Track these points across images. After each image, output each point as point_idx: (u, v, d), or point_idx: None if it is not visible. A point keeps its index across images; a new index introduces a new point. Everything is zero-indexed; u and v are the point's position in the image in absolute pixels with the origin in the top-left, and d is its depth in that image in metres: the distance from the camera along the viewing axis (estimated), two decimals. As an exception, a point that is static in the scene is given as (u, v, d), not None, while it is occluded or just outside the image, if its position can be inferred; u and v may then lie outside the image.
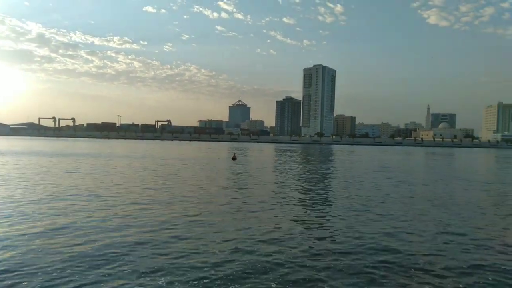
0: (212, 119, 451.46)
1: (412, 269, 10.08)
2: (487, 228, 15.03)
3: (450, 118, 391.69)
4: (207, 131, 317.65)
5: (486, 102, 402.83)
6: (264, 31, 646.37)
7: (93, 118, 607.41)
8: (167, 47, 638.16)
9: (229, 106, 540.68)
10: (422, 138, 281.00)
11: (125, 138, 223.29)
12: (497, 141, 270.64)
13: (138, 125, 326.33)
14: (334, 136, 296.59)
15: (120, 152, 70.50)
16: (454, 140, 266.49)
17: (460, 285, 9.12)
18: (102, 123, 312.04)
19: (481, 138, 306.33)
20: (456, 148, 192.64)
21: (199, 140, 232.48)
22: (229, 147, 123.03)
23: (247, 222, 14.99)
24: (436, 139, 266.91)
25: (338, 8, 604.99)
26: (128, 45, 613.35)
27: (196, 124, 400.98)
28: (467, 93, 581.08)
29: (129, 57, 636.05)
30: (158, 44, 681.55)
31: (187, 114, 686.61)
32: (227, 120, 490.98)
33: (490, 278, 9.59)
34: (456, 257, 11.14)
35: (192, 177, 31.10)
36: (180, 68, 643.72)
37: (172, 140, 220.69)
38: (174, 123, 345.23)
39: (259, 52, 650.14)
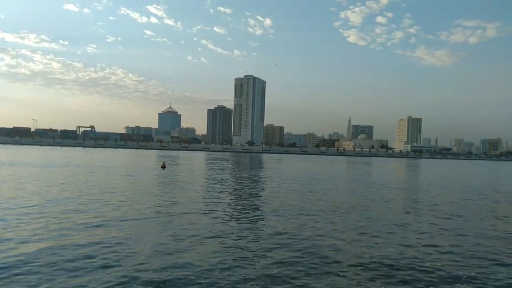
0: (141, 126, 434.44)
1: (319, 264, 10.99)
2: (383, 225, 16.87)
3: (368, 130, 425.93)
4: (135, 138, 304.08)
5: (399, 116, 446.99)
6: (195, 39, 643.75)
7: (3, 122, 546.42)
8: (90, 48, 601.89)
9: (159, 113, 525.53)
10: (344, 148, 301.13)
11: (41, 145, 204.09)
12: (407, 151, 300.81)
13: (56, 130, 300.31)
14: (264, 145, 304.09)
15: (19, 159, 64.38)
16: (372, 150, 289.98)
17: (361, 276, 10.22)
18: (14, 127, 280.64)
19: (394, 148, 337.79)
20: (374, 158, 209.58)
21: (125, 148, 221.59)
22: (159, 155, 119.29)
23: (170, 224, 14.90)
24: (356, 149, 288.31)
25: (267, 21, 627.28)
26: (46, 44, 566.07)
27: (123, 131, 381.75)
28: (383, 107, 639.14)
29: (47, 57, 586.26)
30: (80, 44, 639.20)
31: (113, 120, 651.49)
32: (157, 127, 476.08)
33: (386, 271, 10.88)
34: (356, 250, 12.39)
35: (115, 185, 29.72)
36: (106, 71, 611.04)
37: (95, 147, 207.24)
38: (98, 129, 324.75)
39: (190, 59, 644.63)
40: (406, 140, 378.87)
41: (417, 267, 11.20)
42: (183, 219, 17.08)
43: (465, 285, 9.96)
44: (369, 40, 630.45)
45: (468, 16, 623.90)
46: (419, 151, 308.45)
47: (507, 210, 24.31)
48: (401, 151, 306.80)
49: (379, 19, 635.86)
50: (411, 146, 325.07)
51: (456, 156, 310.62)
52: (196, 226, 15.68)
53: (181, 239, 13.44)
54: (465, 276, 10.57)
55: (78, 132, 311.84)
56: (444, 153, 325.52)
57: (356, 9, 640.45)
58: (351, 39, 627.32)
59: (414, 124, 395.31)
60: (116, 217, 16.94)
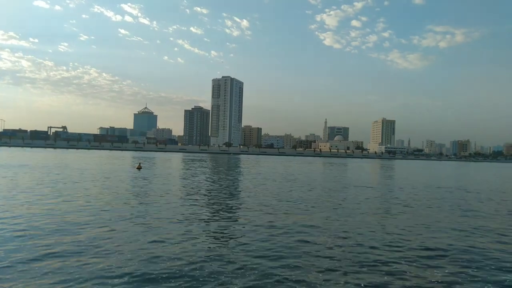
0: (115, 127, 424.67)
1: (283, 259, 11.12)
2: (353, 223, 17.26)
3: (344, 131, 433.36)
4: (109, 139, 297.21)
5: (373, 118, 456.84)
6: (172, 39, 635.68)
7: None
8: (62, 47, 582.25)
9: (134, 114, 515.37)
10: (320, 149, 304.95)
11: (9, 146, 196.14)
12: (382, 152, 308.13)
13: (26, 131, 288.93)
14: (241, 146, 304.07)
15: None
16: (347, 151, 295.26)
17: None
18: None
19: (369, 149, 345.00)
20: (349, 159, 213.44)
21: (99, 149, 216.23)
22: (134, 156, 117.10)
23: (147, 226, 14.66)
24: (332, 150, 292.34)
25: (244, 23, 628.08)
26: (14, 41, 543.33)
27: (97, 132, 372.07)
28: (358, 109, 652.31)
29: (16, 54, 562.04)
30: (51, 43, 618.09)
31: (86, 121, 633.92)
32: (132, 128, 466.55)
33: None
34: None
35: (88, 186, 28.94)
36: (78, 70, 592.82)
37: (68, 148, 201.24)
38: (71, 130, 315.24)
39: (166, 59, 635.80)
40: (380, 141, 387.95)
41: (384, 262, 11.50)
42: (161, 221, 16.82)
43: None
44: (344, 43, 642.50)
45: (438, 21, 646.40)
46: (393, 152, 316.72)
47: (475, 207, 25.28)
48: (375, 152, 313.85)
49: (354, 22, 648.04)
50: (385, 147, 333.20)
51: (428, 156, 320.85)
52: (173, 227, 15.47)
53: (158, 241, 13.23)
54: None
55: (49, 133, 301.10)
56: (417, 154, 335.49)
57: (332, 12, 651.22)
58: (327, 42, 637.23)
59: (388, 126, 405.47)
60: (91, 219, 16.49)
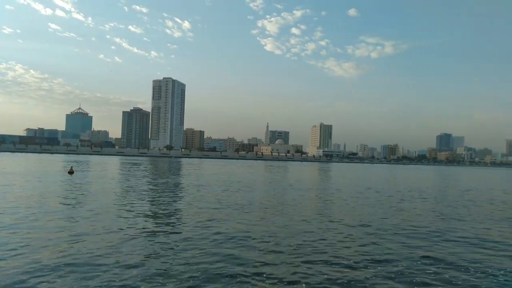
0: (45, 128, 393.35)
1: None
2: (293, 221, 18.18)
3: (284, 135, 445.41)
4: (37, 141, 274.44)
5: (312, 123, 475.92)
6: (108, 36, 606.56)
7: None
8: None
9: (67, 114, 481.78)
10: (262, 153, 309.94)
11: None
12: (320, 156, 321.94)
13: None
14: (183, 150, 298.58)
15: None
16: (288, 154, 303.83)
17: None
18: None
19: (308, 153, 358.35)
20: (290, 162, 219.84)
21: (26, 152, 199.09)
22: (66, 159, 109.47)
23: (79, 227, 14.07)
24: (273, 154, 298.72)
25: (186, 24, 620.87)
26: None
27: (23, 133, 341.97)
28: (298, 114, 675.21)
29: None
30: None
31: (11, 121, 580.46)
32: (64, 129, 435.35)
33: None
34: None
35: (12, 191, 26.69)
36: (1, 66, 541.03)
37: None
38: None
39: (102, 58, 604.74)
40: (318, 145, 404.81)
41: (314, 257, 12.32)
42: (95, 228, 16.16)
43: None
44: (284, 49, 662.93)
45: (370, 33, 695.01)
46: (330, 155, 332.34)
47: (401, 207, 27.67)
48: (314, 155, 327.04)
49: (294, 30, 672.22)
50: (323, 151, 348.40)
51: (361, 160, 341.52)
52: (108, 238, 14.98)
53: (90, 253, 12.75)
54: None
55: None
56: (351, 157, 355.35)
57: (273, 19, 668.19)
58: (268, 47, 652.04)
59: (326, 131, 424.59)
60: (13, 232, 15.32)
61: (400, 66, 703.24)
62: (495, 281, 10.99)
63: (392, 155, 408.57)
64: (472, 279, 11.09)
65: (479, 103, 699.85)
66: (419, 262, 12.57)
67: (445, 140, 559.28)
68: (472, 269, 11.98)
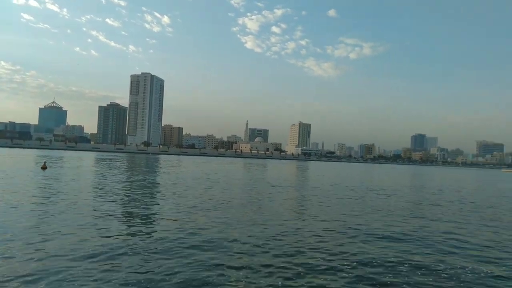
0: (16, 122, 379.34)
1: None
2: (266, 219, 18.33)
3: (264, 133, 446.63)
4: (8, 135, 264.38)
5: (291, 121, 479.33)
6: (84, 29, 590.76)
7: None
8: None
9: (40, 108, 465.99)
10: (241, 150, 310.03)
11: None
12: (298, 154, 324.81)
13: None
14: (161, 146, 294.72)
15: None
16: (267, 152, 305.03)
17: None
18: None
19: (287, 151, 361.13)
20: (268, 160, 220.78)
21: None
22: (38, 155, 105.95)
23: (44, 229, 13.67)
24: (253, 152, 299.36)
25: (165, 19, 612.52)
26: None
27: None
28: (277, 112, 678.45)
29: None
30: None
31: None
32: (37, 123, 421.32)
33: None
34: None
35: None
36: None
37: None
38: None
39: (78, 51, 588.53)
40: (297, 143, 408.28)
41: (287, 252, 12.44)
42: (66, 226, 15.72)
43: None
44: (265, 48, 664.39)
45: (349, 34, 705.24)
46: (308, 154, 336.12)
47: (373, 204, 28.30)
48: (292, 153, 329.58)
49: (274, 29, 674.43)
50: (302, 149, 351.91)
51: (339, 158, 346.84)
52: (78, 238, 14.61)
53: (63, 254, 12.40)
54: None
55: None
56: (329, 156, 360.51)
57: (253, 17, 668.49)
58: (249, 45, 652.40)
59: (305, 129, 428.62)
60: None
61: (377, 67, 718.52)
62: (461, 279, 11.40)
63: (368, 154, 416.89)
64: (438, 279, 11.46)
65: (453, 106, 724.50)
66: (391, 263, 12.89)
67: (419, 140, 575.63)
68: (439, 268, 12.39)
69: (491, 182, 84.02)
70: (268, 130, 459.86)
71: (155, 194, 28.17)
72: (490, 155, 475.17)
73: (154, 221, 17.69)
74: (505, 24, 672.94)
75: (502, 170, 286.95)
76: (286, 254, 12.79)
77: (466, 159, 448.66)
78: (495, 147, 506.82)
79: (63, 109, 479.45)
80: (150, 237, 14.35)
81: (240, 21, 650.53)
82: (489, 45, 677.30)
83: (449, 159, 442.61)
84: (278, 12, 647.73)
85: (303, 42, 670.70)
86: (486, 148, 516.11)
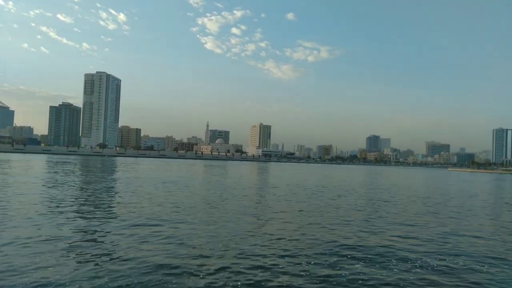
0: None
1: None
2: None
3: (225, 135, 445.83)
4: None
5: (252, 122, 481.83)
6: (33, 24, 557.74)
7: None
8: None
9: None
10: (202, 152, 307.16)
11: None
12: (259, 155, 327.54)
13: None
14: (118, 148, 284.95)
15: None
16: (228, 154, 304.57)
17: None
18: None
19: (247, 152, 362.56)
20: (229, 161, 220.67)
21: None
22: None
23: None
24: (213, 153, 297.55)
25: (121, 16, 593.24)
26: None
27: None
28: (238, 113, 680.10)
29: None
30: None
31: None
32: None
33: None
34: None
35: None
36: None
37: None
38: None
39: (26, 47, 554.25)
40: (258, 145, 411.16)
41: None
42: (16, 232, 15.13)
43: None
44: (225, 49, 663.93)
45: (307, 37, 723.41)
46: (269, 155, 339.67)
47: (331, 203, 29.55)
48: (253, 155, 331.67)
49: (234, 30, 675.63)
50: (262, 151, 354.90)
51: (298, 159, 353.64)
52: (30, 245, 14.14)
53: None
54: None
55: None
56: (289, 157, 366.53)
57: (213, 17, 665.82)
58: (208, 46, 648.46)
59: (265, 131, 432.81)
60: None
61: (334, 70, 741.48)
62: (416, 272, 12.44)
63: (326, 155, 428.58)
64: (390, 273, 12.43)
65: (404, 108, 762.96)
66: (345, 257, 13.73)
67: (374, 141, 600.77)
68: (394, 261, 13.41)
69: (440, 180, 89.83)
70: (229, 131, 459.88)
71: (108, 200, 27.48)
72: (438, 155, 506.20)
73: (106, 229, 17.39)
74: (453, 28, 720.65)
75: (449, 169, 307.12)
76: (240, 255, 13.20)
77: (416, 159, 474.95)
78: (442, 147, 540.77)
79: (10, 109, 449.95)
80: (105, 246, 14.15)
81: (199, 21, 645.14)
82: (441, 51, 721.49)
83: (401, 159, 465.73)
84: (238, 13, 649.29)
85: (262, 44, 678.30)
86: (434, 148, 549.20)
